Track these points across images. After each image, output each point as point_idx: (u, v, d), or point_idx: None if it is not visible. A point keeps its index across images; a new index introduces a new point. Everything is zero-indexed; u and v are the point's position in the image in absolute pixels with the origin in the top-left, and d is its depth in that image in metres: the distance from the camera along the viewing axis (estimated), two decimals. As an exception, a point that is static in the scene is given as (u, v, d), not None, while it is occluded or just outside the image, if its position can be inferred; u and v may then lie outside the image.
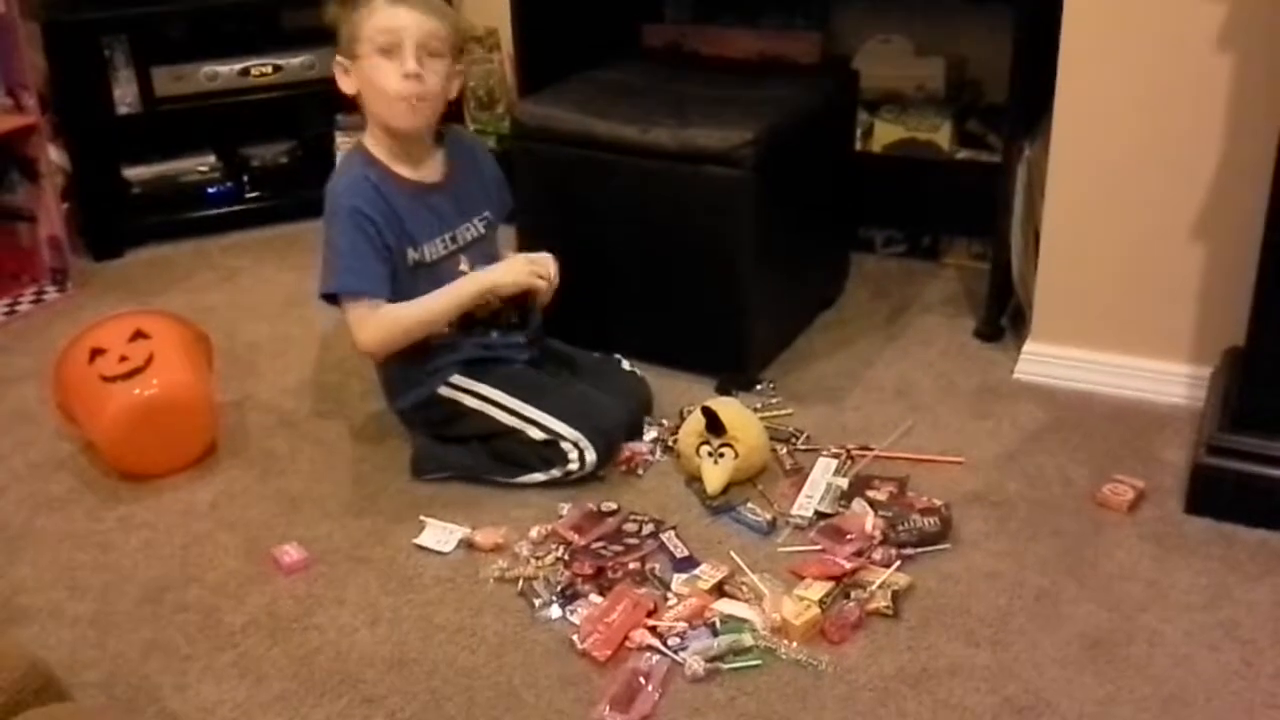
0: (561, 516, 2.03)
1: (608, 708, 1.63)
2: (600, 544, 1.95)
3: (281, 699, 1.69)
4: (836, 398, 2.39)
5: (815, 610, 1.76)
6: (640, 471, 2.16)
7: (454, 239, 2.17)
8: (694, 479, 2.11)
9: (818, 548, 1.92)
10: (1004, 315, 2.62)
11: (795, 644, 1.73)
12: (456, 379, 2.16)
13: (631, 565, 1.89)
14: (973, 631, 1.76)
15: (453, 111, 2.21)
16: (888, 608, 1.78)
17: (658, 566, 1.90)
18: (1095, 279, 2.34)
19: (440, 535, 2.00)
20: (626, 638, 1.74)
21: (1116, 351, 2.36)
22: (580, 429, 2.09)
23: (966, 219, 2.85)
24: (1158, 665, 1.69)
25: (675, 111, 2.38)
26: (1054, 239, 2.35)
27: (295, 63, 3.25)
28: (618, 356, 2.38)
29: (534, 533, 1.99)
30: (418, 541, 1.99)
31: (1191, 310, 2.27)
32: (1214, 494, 1.97)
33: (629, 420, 2.22)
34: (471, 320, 2.18)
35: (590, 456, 2.09)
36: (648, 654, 1.72)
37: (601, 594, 1.84)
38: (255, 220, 3.32)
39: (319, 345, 2.67)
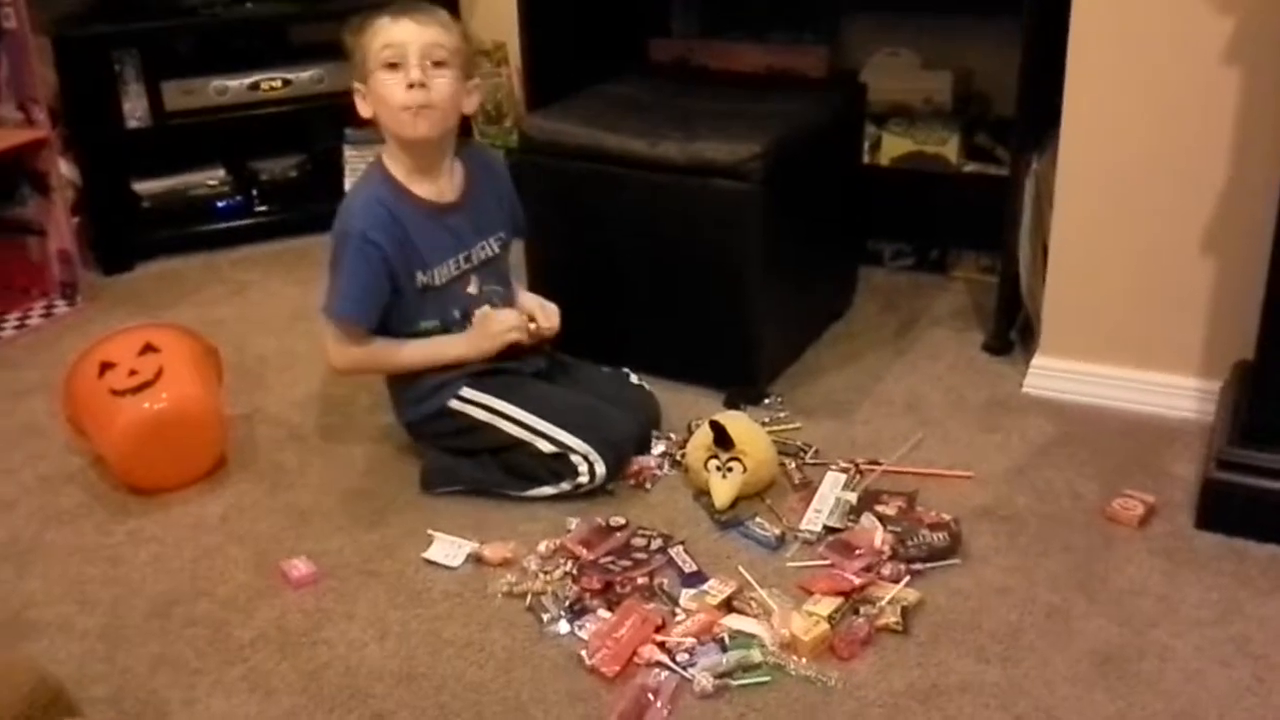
0: (570, 531, 2.03)
1: (616, 723, 1.63)
2: (609, 559, 1.95)
3: (290, 713, 1.69)
4: (845, 412, 2.39)
5: (824, 626, 1.75)
6: (648, 486, 2.16)
7: (468, 259, 2.18)
8: (702, 493, 2.10)
9: (827, 563, 1.92)
10: (1013, 329, 2.61)
11: (804, 660, 1.72)
12: (466, 392, 2.16)
13: (640, 580, 1.89)
14: (983, 647, 1.75)
15: (463, 125, 2.21)
16: (897, 623, 1.78)
17: (666, 581, 1.90)
18: (1104, 292, 2.33)
19: (449, 549, 2.00)
20: (635, 653, 1.74)
21: (1126, 365, 2.35)
22: (590, 441, 2.09)
23: (975, 232, 2.85)
24: (1169, 681, 1.68)
25: (683, 125, 2.39)
26: (1062, 252, 2.35)
27: (304, 77, 3.27)
28: (626, 370, 2.38)
29: (542, 547, 1.99)
30: (426, 555, 1.99)
31: (1201, 323, 2.27)
32: (1224, 509, 1.96)
33: (638, 433, 2.22)
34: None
35: (600, 469, 2.09)
36: (656, 670, 1.71)
37: (610, 609, 1.84)
38: (264, 234, 3.33)
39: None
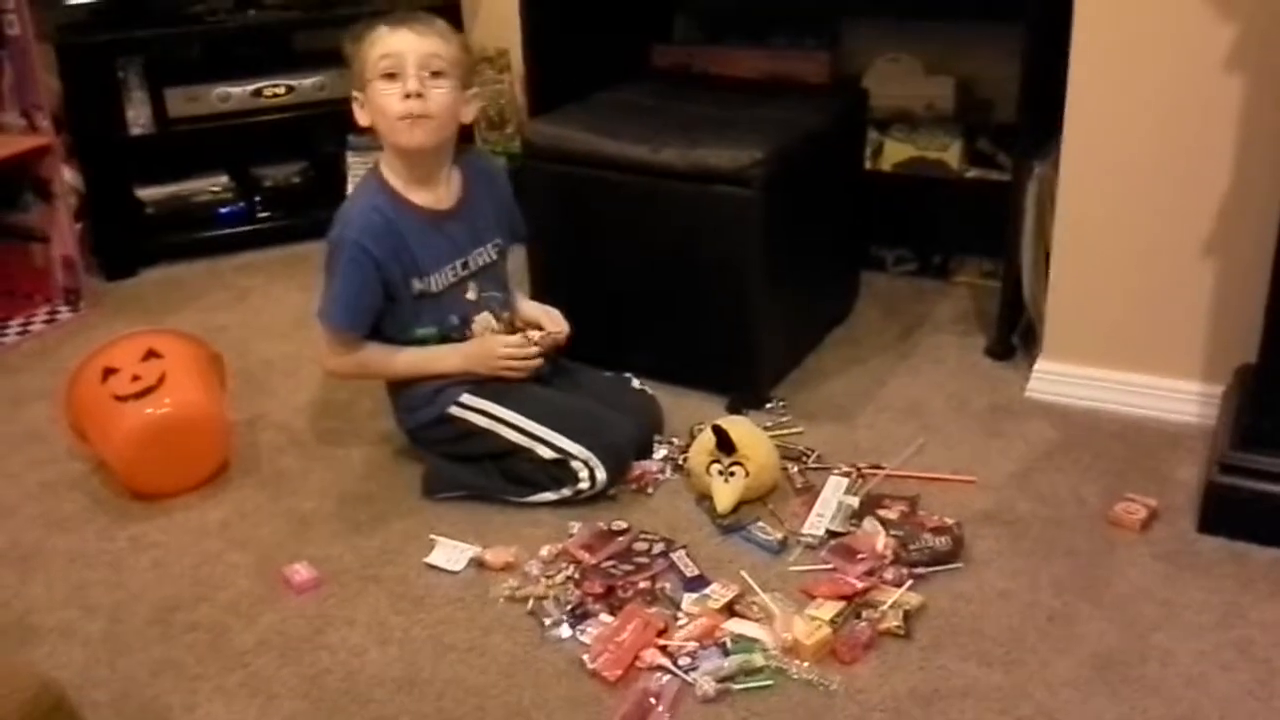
0: (572, 535, 2.03)
1: (618, 728, 1.63)
2: (610, 563, 1.95)
3: (291, 719, 1.69)
4: (847, 416, 2.39)
5: (826, 630, 1.75)
6: (650, 490, 2.16)
7: (465, 265, 2.19)
8: (704, 498, 2.10)
9: (829, 567, 1.92)
10: (1015, 333, 2.61)
11: (806, 664, 1.72)
12: (466, 398, 2.17)
13: (642, 584, 1.89)
14: (985, 651, 1.75)
15: (464, 132, 2.22)
16: (899, 627, 1.78)
17: (668, 586, 1.90)
18: (1106, 297, 2.33)
19: (451, 554, 2.00)
20: (637, 657, 1.74)
21: (1128, 369, 2.35)
22: (590, 447, 2.09)
23: (977, 238, 2.85)
24: (1171, 685, 1.68)
25: (685, 131, 2.39)
26: (1064, 257, 2.35)
27: (307, 84, 3.27)
28: (628, 375, 2.37)
29: (544, 552, 1.99)
30: (428, 561, 1.99)
31: (1203, 328, 2.27)
32: (1227, 513, 1.96)
33: (639, 438, 2.22)
34: None
35: (600, 475, 2.09)
36: (658, 674, 1.71)
37: (612, 613, 1.84)
38: (267, 240, 3.34)
39: (330, 364, 2.68)
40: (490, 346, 2.18)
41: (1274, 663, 1.71)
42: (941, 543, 1.94)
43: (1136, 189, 2.23)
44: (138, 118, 3.17)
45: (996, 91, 2.88)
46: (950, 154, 2.85)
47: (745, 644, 1.76)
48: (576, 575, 1.92)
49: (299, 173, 3.47)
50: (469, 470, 2.17)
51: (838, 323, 2.75)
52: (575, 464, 2.09)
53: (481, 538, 2.04)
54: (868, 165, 2.86)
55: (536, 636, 1.82)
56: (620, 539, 2.01)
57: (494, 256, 2.24)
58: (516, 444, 2.13)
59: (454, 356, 2.17)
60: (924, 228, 2.98)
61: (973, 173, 2.86)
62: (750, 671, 1.71)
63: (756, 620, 1.81)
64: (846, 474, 2.16)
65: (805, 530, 2.01)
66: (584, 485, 2.10)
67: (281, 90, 3.27)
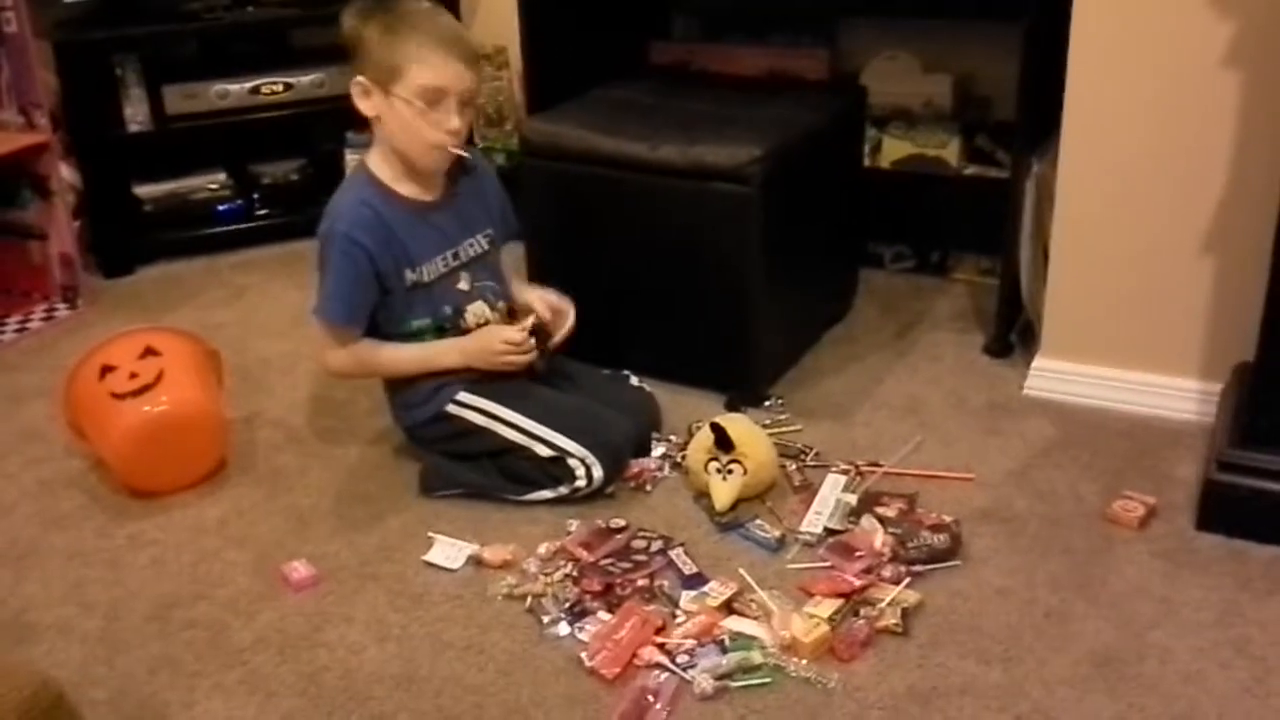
0: (570, 533, 2.03)
1: (616, 726, 1.63)
2: (609, 561, 1.95)
3: (289, 716, 1.69)
4: (845, 414, 2.39)
5: (824, 628, 1.75)
6: (649, 488, 2.16)
7: (455, 255, 2.18)
8: (702, 495, 2.10)
9: (827, 565, 1.92)
10: (1013, 331, 2.61)
11: (804, 662, 1.72)
12: (464, 396, 2.17)
13: (640, 582, 1.89)
14: (983, 649, 1.75)
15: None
16: (897, 625, 1.78)
17: (666, 583, 1.90)
18: (1104, 294, 2.33)
19: (449, 552, 2.00)
20: (635, 655, 1.74)
21: (1126, 367, 2.35)
22: (587, 445, 2.09)
23: (975, 235, 2.85)
24: (1168, 683, 1.68)
25: (683, 129, 2.39)
26: (1063, 254, 2.35)
27: (305, 81, 3.27)
28: (626, 373, 2.38)
29: (542, 549, 1.99)
30: (426, 558, 1.99)
31: (1201, 325, 2.27)
32: (1225, 510, 1.96)
33: (637, 436, 2.22)
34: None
35: (597, 473, 2.09)
36: (656, 672, 1.71)
37: (610, 611, 1.84)
38: (265, 237, 3.34)
39: (328, 362, 2.68)
40: (487, 342, 2.17)
41: (1271, 661, 1.71)
42: (939, 540, 1.94)
43: (1135, 187, 2.23)
44: (136, 115, 3.17)
45: (995, 89, 2.88)
46: (949, 151, 2.85)
47: (743, 642, 1.76)
48: (575, 573, 1.92)
49: (297, 170, 3.46)
50: (467, 468, 2.17)
51: (836, 320, 2.75)
52: (572, 462, 2.09)
53: (480, 535, 2.04)
54: (866, 162, 2.86)
55: (535, 634, 1.82)
56: (618, 537, 2.01)
57: (485, 247, 2.23)
58: (514, 442, 2.13)
59: (453, 353, 2.17)
60: (922, 225, 2.98)
61: (971, 170, 2.86)
62: (748, 669, 1.71)
63: (755, 618, 1.81)
64: (845, 472, 2.16)
65: (803, 528, 2.01)
66: (581, 483, 2.10)
67: (279, 87, 3.26)
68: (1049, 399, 2.40)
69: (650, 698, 1.66)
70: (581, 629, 1.81)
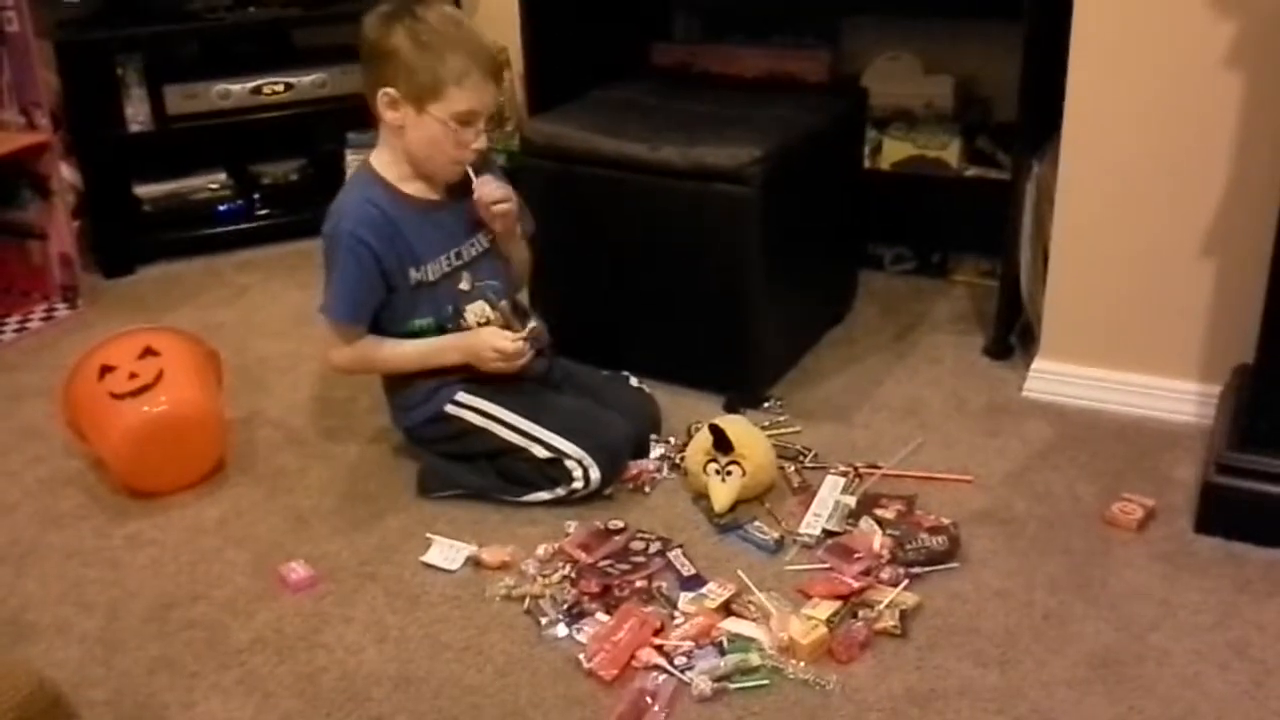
0: (568, 534, 2.03)
1: (614, 727, 1.62)
2: (607, 562, 1.95)
3: (288, 717, 1.69)
4: (844, 415, 2.39)
5: (823, 629, 1.75)
6: (647, 489, 2.16)
7: (458, 255, 2.18)
8: (701, 497, 2.10)
9: (825, 566, 1.92)
10: (1013, 333, 2.61)
11: (803, 663, 1.72)
12: (462, 396, 2.17)
13: (638, 583, 1.89)
14: (981, 651, 1.75)
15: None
16: (895, 627, 1.78)
17: (665, 585, 1.90)
18: (1104, 296, 2.33)
19: (447, 553, 2.00)
20: (633, 657, 1.74)
21: (1126, 369, 2.35)
22: (585, 446, 2.09)
23: (975, 236, 2.85)
24: (1167, 685, 1.68)
25: (684, 130, 2.39)
26: (1063, 256, 2.35)
27: (306, 81, 3.27)
28: (625, 373, 2.38)
29: (541, 550, 1.99)
30: (425, 559, 1.99)
31: (1201, 328, 2.27)
32: (1224, 513, 1.96)
33: (635, 437, 2.22)
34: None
35: (594, 474, 2.09)
36: (654, 673, 1.71)
37: (608, 612, 1.84)
38: (266, 237, 3.34)
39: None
40: (479, 348, 2.15)
41: (1270, 663, 1.71)
42: (938, 542, 1.94)
43: (1135, 188, 2.23)
44: (136, 115, 3.17)
45: (996, 90, 2.88)
46: (949, 152, 2.85)
47: (741, 643, 1.76)
48: (573, 574, 1.92)
49: (298, 170, 3.47)
50: (465, 469, 2.17)
51: (835, 321, 2.75)
52: (570, 463, 2.09)
53: (478, 536, 2.04)
54: (867, 164, 2.86)
55: (533, 635, 1.82)
56: (617, 538, 2.01)
57: (487, 245, 2.23)
58: (512, 443, 2.13)
59: (453, 351, 2.17)
60: (922, 226, 2.98)
61: (971, 171, 2.86)
62: (746, 671, 1.71)
63: (753, 619, 1.81)
64: (843, 473, 2.16)
65: (802, 530, 2.01)
66: (578, 485, 2.10)
67: (280, 88, 3.27)
68: (1048, 401, 2.40)
69: (648, 699, 1.66)
70: (580, 630, 1.81)
